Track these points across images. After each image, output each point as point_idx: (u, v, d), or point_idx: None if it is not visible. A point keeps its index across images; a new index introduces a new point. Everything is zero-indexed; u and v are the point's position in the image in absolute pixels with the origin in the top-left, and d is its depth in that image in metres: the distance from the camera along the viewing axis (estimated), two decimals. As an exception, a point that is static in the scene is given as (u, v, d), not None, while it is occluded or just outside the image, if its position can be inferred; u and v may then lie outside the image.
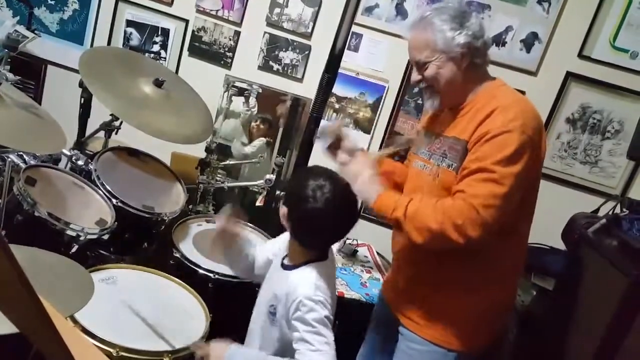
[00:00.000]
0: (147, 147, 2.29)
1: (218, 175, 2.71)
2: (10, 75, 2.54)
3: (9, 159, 1.71)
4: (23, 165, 1.80)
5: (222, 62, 3.00)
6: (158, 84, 2.12)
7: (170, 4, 3.01)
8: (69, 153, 2.03)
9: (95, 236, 1.78)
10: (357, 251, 2.55)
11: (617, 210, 1.93)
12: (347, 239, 2.55)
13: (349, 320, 1.85)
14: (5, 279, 0.55)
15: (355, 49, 2.81)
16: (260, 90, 2.91)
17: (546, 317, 2.00)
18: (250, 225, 2.30)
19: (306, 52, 2.88)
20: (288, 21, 2.87)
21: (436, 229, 1.25)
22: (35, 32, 2.91)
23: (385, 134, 2.86)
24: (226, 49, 2.98)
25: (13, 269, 0.54)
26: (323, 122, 1.61)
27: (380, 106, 2.84)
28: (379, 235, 2.80)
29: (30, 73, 3.16)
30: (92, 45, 3.14)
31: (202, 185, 2.50)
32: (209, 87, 2.75)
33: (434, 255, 1.43)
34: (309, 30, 2.85)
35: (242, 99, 2.93)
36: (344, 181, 1.36)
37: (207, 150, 2.69)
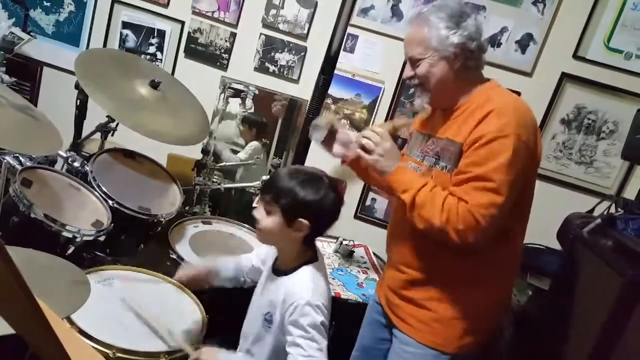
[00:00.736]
0: (143, 149, 2.28)
1: (214, 177, 2.72)
2: (6, 77, 2.55)
3: (5, 161, 1.70)
4: (19, 167, 1.80)
5: (218, 64, 3.00)
6: (154, 85, 2.12)
7: (166, 6, 3.01)
8: (65, 155, 2.03)
9: (91, 237, 1.78)
10: (354, 252, 2.56)
11: (612, 210, 1.94)
12: (344, 239, 2.55)
13: (345, 321, 1.85)
14: (2, 280, 0.55)
15: (351, 50, 2.81)
16: (256, 92, 2.91)
17: (542, 317, 2.01)
18: (246, 226, 2.31)
19: (302, 54, 2.89)
20: (284, 22, 2.87)
21: (438, 226, 1.29)
22: (31, 33, 2.91)
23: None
24: (222, 51, 2.98)
25: (9, 271, 0.54)
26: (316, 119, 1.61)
27: (376, 107, 2.85)
28: (376, 236, 2.80)
29: (26, 75, 3.15)
30: (88, 46, 3.14)
31: (198, 187, 2.50)
32: (205, 88, 2.75)
33: (430, 258, 1.44)
34: (305, 31, 2.86)
35: (238, 100, 2.93)
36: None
37: (204, 151, 2.69)
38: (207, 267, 1.56)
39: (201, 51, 3.01)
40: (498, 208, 1.26)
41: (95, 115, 2.24)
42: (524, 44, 2.63)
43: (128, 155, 2.21)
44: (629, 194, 2.57)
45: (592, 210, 2.15)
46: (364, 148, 1.43)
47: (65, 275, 1.32)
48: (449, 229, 1.27)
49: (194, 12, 2.98)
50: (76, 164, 2.03)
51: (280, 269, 1.41)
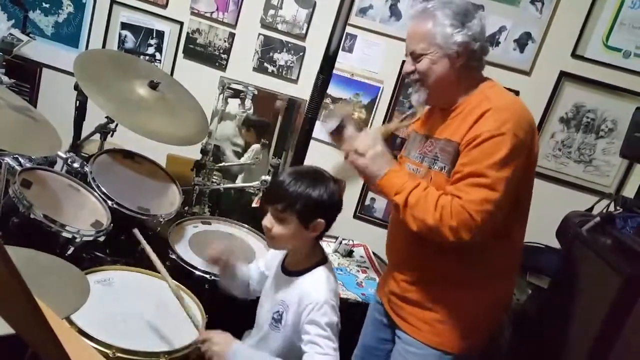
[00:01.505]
0: (143, 149, 2.29)
1: (214, 177, 2.72)
2: (5, 78, 2.55)
3: (5, 162, 1.70)
4: (19, 168, 1.80)
5: (217, 64, 3.00)
6: (153, 86, 2.12)
7: (164, 7, 3.01)
8: (64, 155, 2.04)
9: (91, 238, 1.78)
10: (353, 251, 2.56)
11: (611, 208, 1.94)
12: (343, 239, 2.56)
13: (345, 320, 1.85)
14: (1, 280, 0.55)
15: (350, 50, 2.82)
16: (256, 92, 2.92)
17: (542, 315, 2.01)
18: (246, 226, 2.31)
19: (301, 54, 2.89)
20: (282, 23, 2.88)
21: (432, 225, 1.27)
22: (30, 35, 2.92)
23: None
24: (221, 51, 2.99)
25: (9, 271, 0.54)
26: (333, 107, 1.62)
27: (375, 107, 2.85)
28: (375, 236, 2.81)
29: (26, 76, 3.16)
30: (87, 48, 3.15)
31: (197, 187, 2.50)
32: (204, 88, 2.75)
33: (430, 259, 1.43)
34: (304, 31, 2.86)
35: (237, 100, 2.94)
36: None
37: (203, 152, 2.69)
38: (230, 257, 1.55)
39: (200, 52, 3.01)
40: (493, 204, 1.25)
41: (94, 116, 2.25)
42: (522, 42, 2.63)
43: (127, 156, 2.22)
44: (628, 192, 2.57)
45: (591, 208, 2.15)
46: (356, 151, 1.42)
47: (64, 275, 1.32)
48: (443, 227, 1.26)
49: (192, 13, 2.98)
50: (76, 165, 2.03)
51: (292, 270, 1.41)
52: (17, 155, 1.87)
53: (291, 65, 2.91)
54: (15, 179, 1.71)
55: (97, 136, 2.32)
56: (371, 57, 2.81)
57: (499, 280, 1.50)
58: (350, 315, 1.88)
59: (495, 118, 1.29)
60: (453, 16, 1.36)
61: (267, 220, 1.35)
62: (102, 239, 1.84)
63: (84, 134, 2.28)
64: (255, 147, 2.95)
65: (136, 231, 1.55)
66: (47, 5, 3.14)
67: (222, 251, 1.54)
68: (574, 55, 2.60)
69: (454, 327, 1.44)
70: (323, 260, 1.40)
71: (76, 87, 2.12)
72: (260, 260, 1.64)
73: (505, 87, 1.47)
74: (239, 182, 2.91)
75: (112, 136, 2.36)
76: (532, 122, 1.36)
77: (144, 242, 1.51)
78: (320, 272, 1.36)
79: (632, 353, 1.47)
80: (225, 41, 2.97)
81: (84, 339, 1.30)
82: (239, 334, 1.50)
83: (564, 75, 2.62)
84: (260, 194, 2.50)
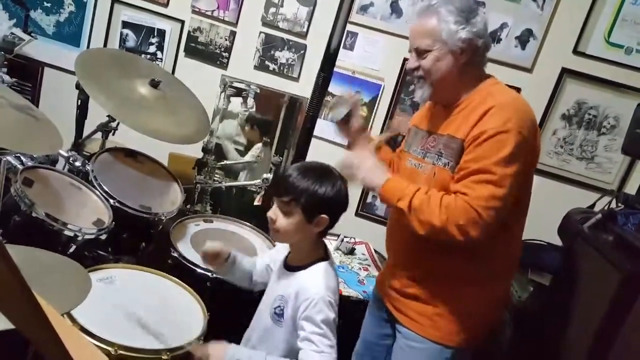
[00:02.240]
0: (144, 148, 2.29)
1: (215, 175, 2.72)
2: (7, 78, 2.55)
3: (5, 160, 1.71)
4: (20, 167, 1.81)
5: (218, 62, 3.01)
6: (154, 84, 2.12)
7: (165, 5, 3.01)
8: (66, 154, 2.04)
9: (92, 236, 1.79)
10: (355, 249, 2.56)
11: (613, 205, 1.93)
12: (345, 236, 2.56)
13: (346, 318, 1.85)
14: (1, 278, 0.56)
15: (351, 48, 2.81)
16: (258, 91, 2.92)
17: (543, 312, 2.01)
18: (248, 224, 2.31)
19: (302, 52, 2.89)
20: (283, 21, 2.87)
21: (439, 226, 1.28)
22: (32, 34, 2.92)
23: (381, 132, 2.86)
24: (222, 49, 2.99)
25: (9, 269, 0.55)
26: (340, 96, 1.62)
27: (376, 105, 2.85)
28: (377, 233, 2.80)
29: (27, 75, 3.17)
30: (88, 46, 3.15)
31: (199, 185, 2.51)
32: (205, 87, 2.76)
33: (429, 255, 1.44)
34: (305, 29, 2.86)
35: (239, 99, 2.94)
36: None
37: (204, 150, 2.70)
38: (229, 250, 1.54)
39: (201, 50, 3.01)
40: (500, 200, 1.26)
41: (96, 115, 2.25)
42: (523, 39, 2.63)
43: (129, 155, 2.22)
44: (630, 189, 2.56)
45: (593, 205, 2.15)
46: (348, 172, 1.43)
47: (67, 273, 1.33)
48: (450, 226, 1.26)
49: (193, 11, 2.98)
50: (77, 164, 2.04)
51: (292, 265, 1.42)
52: (18, 154, 1.88)
53: (292, 63, 2.91)
54: (17, 177, 1.72)
55: (98, 135, 2.32)
56: (372, 55, 2.80)
57: (499, 276, 1.51)
58: (352, 313, 1.89)
59: (500, 115, 1.29)
60: (457, 13, 1.36)
61: (272, 212, 1.36)
62: (103, 237, 1.84)
63: (85, 133, 2.28)
64: (260, 146, 2.95)
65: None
66: (49, 5, 3.15)
67: (218, 249, 1.52)
68: (575, 51, 2.59)
69: (454, 322, 1.45)
70: (324, 257, 1.40)
71: (77, 86, 2.13)
72: (266, 255, 1.64)
73: (506, 84, 1.48)
74: (240, 181, 2.92)
75: (113, 135, 2.37)
76: (534, 120, 1.37)
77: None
78: (319, 267, 1.36)
79: (633, 350, 1.47)
80: (226, 39, 2.97)
81: (86, 337, 1.30)
82: (240, 332, 1.50)
83: (565, 72, 2.61)
84: (262, 192, 2.50)
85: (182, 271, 1.83)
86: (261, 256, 1.65)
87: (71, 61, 2.04)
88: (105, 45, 3.11)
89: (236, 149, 2.98)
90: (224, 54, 2.99)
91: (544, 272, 2.23)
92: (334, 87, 2.79)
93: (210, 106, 2.80)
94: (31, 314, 0.61)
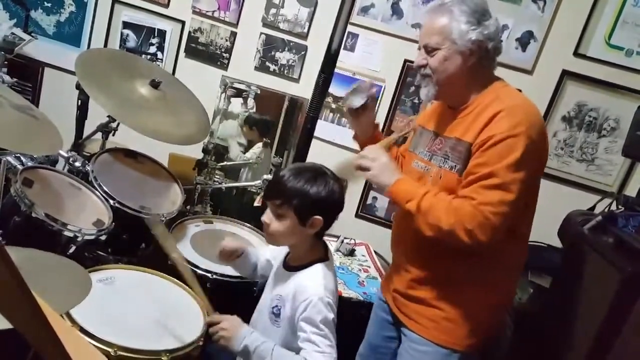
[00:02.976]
0: (144, 148, 2.29)
1: (215, 176, 2.72)
2: (7, 78, 2.55)
3: (5, 160, 1.71)
4: (20, 167, 1.80)
5: (219, 63, 3.00)
6: (155, 85, 2.12)
7: (166, 6, 3.01)
8: (66, 155, 2.04)
9: (92, 237, 1.79)
10: (355, 250, 2.56)
11: (613, 207, 1.93)
12: (345, 238, 2.56)
13: (346, 319, 1.85)
14: (1, 279, 0.55)
15: (352, 49, 2.81)
16: (258, 91, 2.92)
17: (543, 314, 2.01)
18: (248, 225, 2.31)
19: (302, 53, 2.89)
20: (284, 22, 2.87)
21: (447, 229, 1.27)
22: (32, 34, 2.92)
23: (382, 133, 2.86)
24: (222, 50, 2.99)
25: (9, 270, 0.55)
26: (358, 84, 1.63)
27: (377, 106, 2.84)
28: (377, 235, 2.81)
29: (28, 75, 3.17)
30: (88, 47, 3.15)
31: (199, 186, 2.51)
32: (205, 88, 2.76)
33: (435, 257, 1.43)
34: (305, 30, 2.86)
35: (240, 100, 2.94)
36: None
37: (205, 151, 2.69)
38: (244, 247, 1.58)
39: (201, 51, 3.01)
40: (509, 206, 1.25)
41: (96, 115, 2.25)
42: (524, 41, 2.63)
43: (129, 155, 2.22)
44: (630, 191, 2.56)
45: (593, 207, 2.14)
46: (361, 167, 1.43)
47: (66, 273, 1.33)
48: (458, 230, 1.26)
49: (194, 12, 2.98)
50: (77, 164, 2.03)
51: (291, 265, 1.42)
52: (18, 154, 1.87)
53: (293, 64, 2.91)
54: (17, 178, 1.71)
55: (98, 135, 2.32)
56: (373, 56, 2.80)
57: (504, 279, 1.50)
58: (353, 314, 1.89)
59: (509, 119, 1.28)
60: (470, 13, 1.36)
61: (266, 216, 1.36)
62: (103, 238, 1.84)
63: (85, 133, 2.28)
64: (261, 146, 2.95)
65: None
66: (49, 5, 3.14)
67: (236, 247, 1.55)
68: (576, 53, 2.59)
69: (461, 325, 1.44)
70: (323, 257, 1.39)
71: (78, 86, 2.13)
72: (269, 249, 1.63)
73: (509, 87, 1.47)
74: (241, 182, 2.92)
75: (113, 135, 2.37)
76: (543, 123, 1.36)
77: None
78: (317, 268, 1.35)
79: (633, 351, 1.47)
80: (226, 40, 2.97)
81: (86, 338, 1.30)
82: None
83: (566, 74, 2.61)
84: (262, 193, 2.50)
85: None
86: (263, 250, 1.65)
87: (71, 61, 2.04)
88: (105, 45, 3.11)
89: (238, 143, 2.98)
90: (224, 54, 2.99)
91: (544, 274, 2.23)
92: (334, 89, 2.80)
93: (210, 107, 2.80)
94: (30, 315, 0.60)
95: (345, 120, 2.86)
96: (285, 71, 2.93)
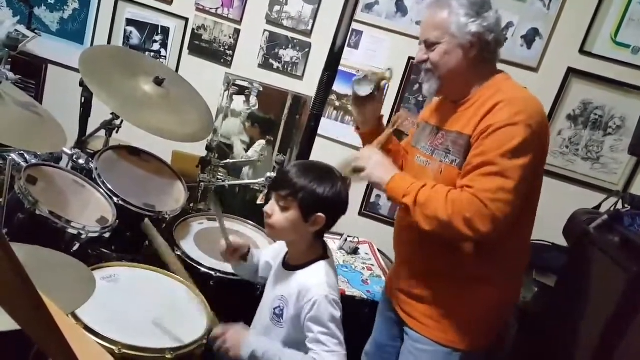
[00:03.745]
0: (148, 146, 2.29)
1: (219, 174, 2.72)
2: (11, 75, 2.54)
3: (10, 158, 1.71)
4: (24, 164, 1.80)
5: (222, 60, 3.00)
6: (158, 82, 2.12)
7: (170, 3, 3.01)
8: (70, 152, 2.04)
9: (96, 234, 1.78)
10: (359, 248, 2.55)
11: (619, 206, 1.92)
12: (349, 236, 2.55)
13: (350, 318, 1.85)
14: (6, 277, 0.55)
15: (356, 46, 2.80)
16: (261, 89, 2.91)
17: (548, 313, 2.00)
18: (251, 223, 2.31)
19: (306, 50, 2.88)
20: (288, 19, 2.86)
21: (445, 220, 1.25)
22: (36, 31, 2.92)
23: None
24: (226, 47, 2.98)
25: (14, 267, 0.54)
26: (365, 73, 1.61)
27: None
28: (381, 233, 2.80)
29: (31, 72, 3.17)
30: (92, 44, 3.15)
31: (203, 184, 2.50)
32: (209, 85, 2.75)
33: (438, 254, 1.42)
34: (309, 27, 2.85)
35: (242, 97, 2.93)
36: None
37: (208, 148, 2.69)
38: (248, 245, 1.56)
39: (205, 48, 3.00)
40: (509, 193, 1.22)
41: (100, 113, 2.25)
42: (529, 39, 2.61)
43: (133, 153, 2.22)
44: (636, 189, 2.55)
45: (599, 206, 2.13)
46: (357, 169, 1.42)
47: (70, 271, 1.33)
48: (457, 220, 1.23)
49: (197, 9, 2.97)
50: (81, 161, 2.03)
51: (291, 264, 1.41)
52: (22, 152, 1.87)
53: (296, 61, 2.90)
54: (21, 175, 1.71)
55: (102, 133, 2.32)
56: (377, 54, 2.79)
57: (508, 277, 1.48)
58: (356, 313, 1.88)
59: (508, 109, 1.27)
60: (469, 6, 1.35)
61: (269, 207, 1.34)
62: (107, 235, 1.84)
63: (89, 131, 2.28)
64: (263, 143, 2.95)
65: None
66: (53, 2, 3.14)
67: (242, 244, 1.54)
68: (582, 51, 2.57)
69: (462, 324, 1.43)
70: (323, 256, 1.39)
71: (81, 84, 2.13)
72: (268, 250, 1.63)
73: (512, 83, 1.46)
74: (244, 179, 2.91)
75: (117, 133, 2.36)
76: (545, 116, 1.34)
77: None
78: (319, 266, 1.34)
79: (638, 352, 1.46)
80: (230, 37, 2.97)
81: (90, 336, 1.30)
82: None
83: (571, 72, 2.60)
84: (265, 191, 2.49)
85: (185, 270, 1.82)
86: (263, 251, 1.64)
87: (75, 58, 2.04)
88: (109, 42, 3.11)
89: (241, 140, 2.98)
90: (228, 52, 2.98)
91: (549, 273, 2.22)
92: (338, 86, 2.79)
93: (213, 104, 2.80)
94: (35, 313, 0.60)
95: (350, 118, 2.86)
96: (289, 69, 2.92)
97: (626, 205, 1.88)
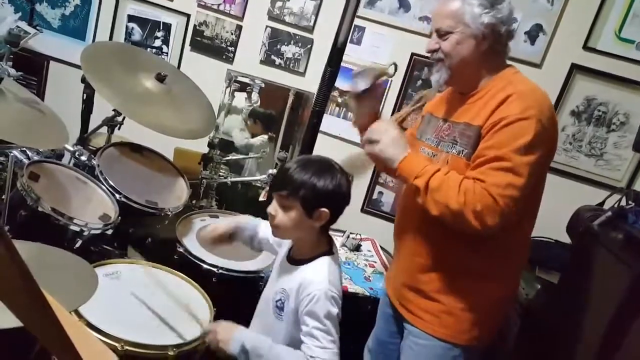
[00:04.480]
0: (150, 143, 2.28)
1: (221, 171, 2.71)
2: (13, 71, 2.54)
3: (12, 155, 1.70)
4: (26, 161, 1.80)
5: (224, 57, 2.99)
6: (160, 78, 2.11)
7: (171, -1, 3.00)
8: (72, 149, 2.04)
9: (98, 231, 1.79)
10: (361, 245, 2.55)
11: (623, 203, 1.91)
12: (351, 233, 2.55)
13: (353, 314, 1.85)
14: (9, 274, 0.55)
15: (358, 42, 2.79)
16: (262, 85, 2.90)
17: (551, 310, 1.99)
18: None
19: (308, 46, 2.87)
20: (290, 15, 2.85)
21: (455, 209, 1.24)
22: (37, 27, 2.92)
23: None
24: (228, 43, 2.97)
25: (16, 264, 0.54)
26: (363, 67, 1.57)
27: (384, 100, 2.83)
28: (383, 230, 2.79)
29: (33, 69, 3.16)
30: (93, 40, 3.14)
31: (205, 181, 2.50)
32: (211, 81, 2.74)
33: (439, 247, 1.42)
34: (311, 23, 2.84)
35: (244, 94, 2.93)
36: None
37: (210, 145, 2.68)
38: (232, 228, 1.55)
39: (207, 44, 3.00)
40: (517, 189, 1.23)
41: (101, 109, 2.24)
42: (533, 35, 2.60)
43: (135, 149, 2.22)
44: (640, 186, 2.54)
45: (603, 203, 2.12)
46: (370, 140, 1.41)
47: (73, 268, 1.33)
48: (467, 211, 1.23)
49: (199, 5, 2.96)
50: (83, 158, 2.03)
51: (295, 258, 1.40)
52: (24, 148, 1.87)
53: (299, 57, 2.89)
54: (23, 172, 1.71)
55: (104, 129, 2.32)
56: (380, 50, 2.78)
57: (508, 272, 1.48)
58: (359, 309, 1.88)
59: (520, 102, 1.27)
60: None
61: (272, 208, 1.34)
62: (110, 232, 1.84)
63: (91, 127, 2.28)
64: (265, 137, 2.94)
65: None
66: (54, -2, 3.14)
67: (223, 231, 1.54)
68: (585, 47, 2.55)
69: (461, 319, 1.43)
70: (328, 251, 1.38)
71: (83, 80, 2.12)
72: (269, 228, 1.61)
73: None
74: (246, 176, 2.91)
75: (119, 129, 2.36)
76: (554, 112, 1.34)
77: None
78: (322, 261, 1.34)
79: (644, 349, 1.46)
80: (232, 33, 2.96)
81: (93, 333, 1.30)
82: (246, 326, 1.49)
83: (575, 68, 2.58)
84: (267, 188, 2.49)
85: (188, 266, 1.83)
86: (264, 227, 1.59)
87: (77, 55, 2.03)
88: (110, 39, 3.10)
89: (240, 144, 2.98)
90: (229, 48, 2.97)
91: (552, 270, 2.21)
92: (340, 82, 2.78)
93: (215, 100, 2.79)
94: (38, 310, 0.60)
95: (352, 115, 2.84)
96: (291, 65, 2.91)
97: (630, 202, 1.86)
